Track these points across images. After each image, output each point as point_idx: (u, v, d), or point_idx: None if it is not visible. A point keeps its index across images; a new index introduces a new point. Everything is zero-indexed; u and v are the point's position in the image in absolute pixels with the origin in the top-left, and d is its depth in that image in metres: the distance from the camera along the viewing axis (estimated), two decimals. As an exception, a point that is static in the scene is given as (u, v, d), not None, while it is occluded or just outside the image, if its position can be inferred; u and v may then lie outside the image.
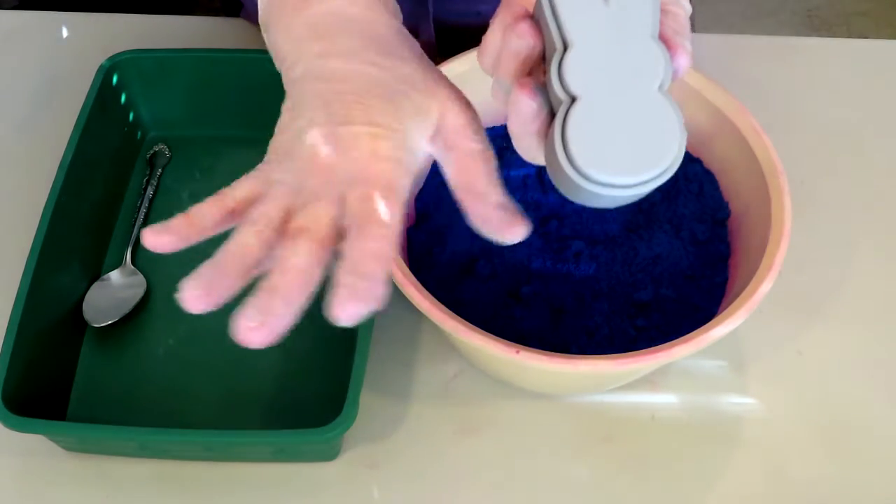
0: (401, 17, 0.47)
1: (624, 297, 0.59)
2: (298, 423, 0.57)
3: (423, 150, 0.43)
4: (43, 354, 0.59)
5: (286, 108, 0.45)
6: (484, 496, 0.58)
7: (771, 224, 0.56)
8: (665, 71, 0.39)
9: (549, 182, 0.64)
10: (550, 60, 0.39)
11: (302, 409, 0.60)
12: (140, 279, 0.66)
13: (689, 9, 0.43)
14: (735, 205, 0.62)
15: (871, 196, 0.71)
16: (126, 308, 0.64)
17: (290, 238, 0.41)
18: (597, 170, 0.38)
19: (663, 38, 0.40)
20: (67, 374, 0.62)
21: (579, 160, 0.38)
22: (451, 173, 0.44)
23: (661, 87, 0.39)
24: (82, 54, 0.78)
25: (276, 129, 0.45)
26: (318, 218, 0.41)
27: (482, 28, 0.46)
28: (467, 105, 0.44)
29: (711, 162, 0.63)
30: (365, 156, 0.41)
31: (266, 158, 0.44)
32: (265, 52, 0.72)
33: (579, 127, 0.38)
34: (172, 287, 0.66)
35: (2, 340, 0.56)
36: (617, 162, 0.38)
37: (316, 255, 0.41)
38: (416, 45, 0.46)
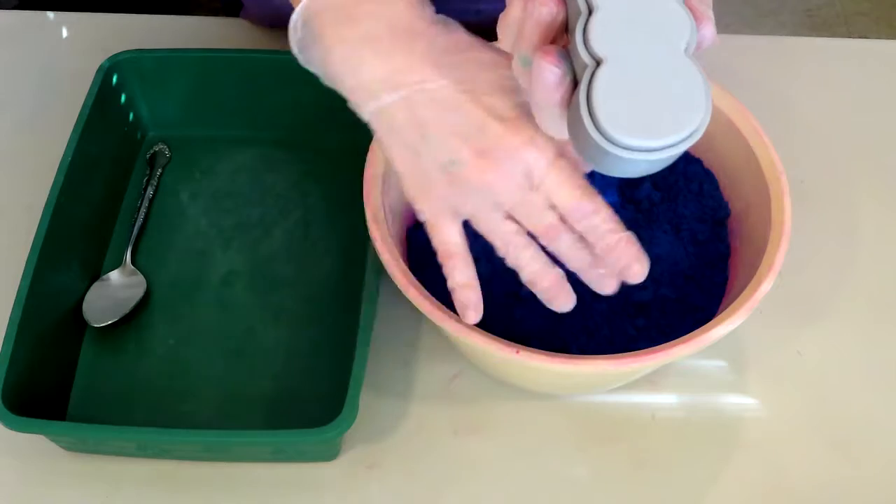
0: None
1: (624, 297, 0.59)
2: (298, 423, 0.58)
3: None
4: (43, 354, 0.59)
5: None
6: (484, 496, 0.58)
7: (771, 224, 0.56)
8: (691, 34, 0.38)
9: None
10: (574, 27, 0.39)
11: (302, 409, 0.60)
12: (140, 279, 0.66)
13: None
14: (735, 205, 0.62)
15: (872, 196, 0.71)
16: (126, 308, 0.64)
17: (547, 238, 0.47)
18: (624, 132, 0.37)
19: (689, 6, 0.40)
20: (67, 374, 0.62)
21: (606, 123, 0.37)
22: None
23: (686, 50, 0.38)
24: (82, 54, 0.78)
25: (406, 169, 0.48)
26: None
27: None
28: None
29: (711, 162, 0.63)
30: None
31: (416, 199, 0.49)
32: (265, 52, 0.73)
33: (605, 90, 0.37)
34: (172, 287, 0.66)
35: (2, 340, 0.56)
36: (644, 124, 0.37)
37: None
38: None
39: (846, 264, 0.68)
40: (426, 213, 0.49)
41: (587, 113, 0.37)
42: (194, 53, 0.72)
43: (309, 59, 0.48)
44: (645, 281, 0.59)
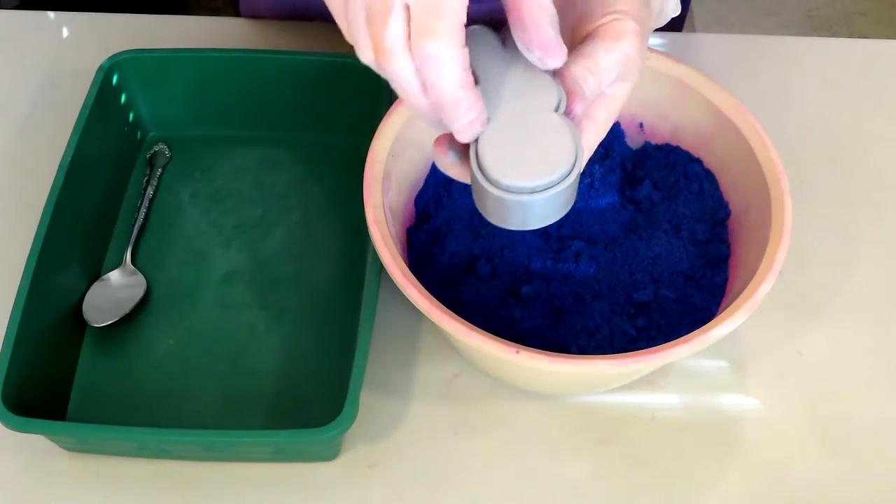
0: None
1: (624, 297, 0.59)
2: (298, 423, 0.58)
3: None
4: (43, 354, 0.59)
5: None
6: (484, 496, 0.58)
7: (771, 224, 0.56)
8: (560, 97, 0.45)
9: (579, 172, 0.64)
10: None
11: (302, 409, 0.60)
12: (140, 279, 0.66)
13: (610, 60, 0.45)
14: (735, 205, 0.62)
15: (871, 196, 0.71)
16: (126, 308, 0.64)
17: None
18: (504, 175, 0.43)
19: (562, 83, 0.45)
20: (67, 374, 0.62)
21: (490, 170, 0.43)
22: None
23: (557, 109, 0.45)
24: (82, 54, 0.78)
25: None
26: None
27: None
28: None
29: (711, 162, 0.63)
30: None
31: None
32: (265, 52, 0.73)
33: (489, 145, 0.44)
34: (172, 287, 0.66)
35: (2, 340, 0.56)
36: (522, 168, 0.43)
37: None
38: None
39: (846, 264, 0.68)
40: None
41: (476, 162, 0.44)
42: (194, 53, 0.72)
43: None
44: (645, 281, 0.60)
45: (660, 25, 0.52)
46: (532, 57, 0.44)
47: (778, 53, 0.80)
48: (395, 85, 0.44)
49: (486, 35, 0.46)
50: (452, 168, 0.46)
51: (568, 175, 0.43)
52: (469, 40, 0.44)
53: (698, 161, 0.64)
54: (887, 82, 0.79)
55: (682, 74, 0.62)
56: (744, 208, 0.61)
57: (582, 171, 0.45)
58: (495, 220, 0.46)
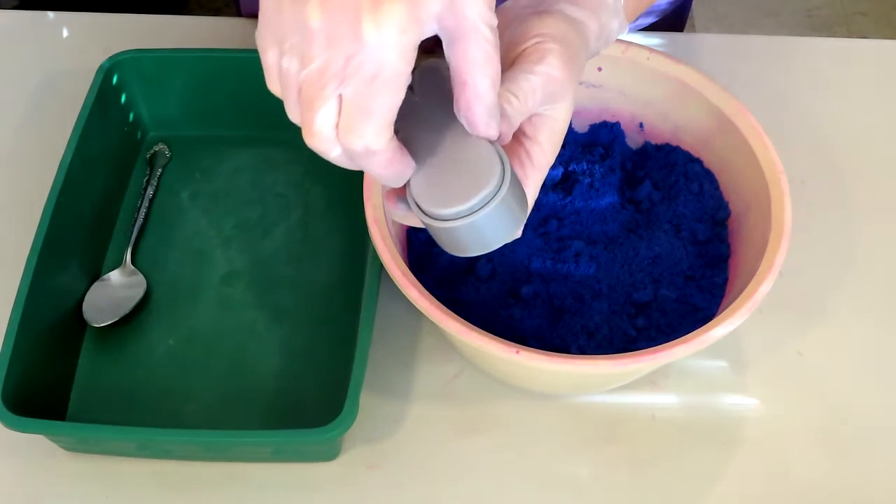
0: None
1: (624, 297, 0.59)
2: (298, 423, 0.58)
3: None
4: (43, 354, 0.59)
5: None
6: (484, 496, 0.58)
7: (771, 224, 0.56)
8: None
9: (549, 182, 0.64)
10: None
11: (302, 409, 0.60)
12: (140, 279, 0.66)
13: (533, 82, 0.46)
14: (735, 205, 0.62)
15: (871, 196, 0.71)
16: (126, 308, 0.64)
17: None
18: (434, 205, 0.44)
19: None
20: (67, 374, 0.62)
21: (425, 205, 0.44)
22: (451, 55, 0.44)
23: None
24: (82, 54, 0.78)
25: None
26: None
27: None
28: None
29: (711, 162, 0.63)
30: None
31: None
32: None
33: (420, 184, 0.45)
34: (172, 287, 0.66)
35: (2, 340, 0.56)
36: (450, 196, 0.44)
37: None
38: None
39: (846, 264, 0.68)
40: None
41: (413, 203, 0.45)
42: (194, 53, 0.72)
43: None
44: (645, 281, 0.60)
45: (604, 48, 0.53)
46: (466, 125, 0.44)
47: (778, 53, 0.80)
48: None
49: (435, 73, 0.46)
50: (406, 218, 0.47)
51: (497, 192, 0.44)
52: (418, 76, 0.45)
53: (698, 161, 0.64)
54: (887, 82, 0.79)
55: (682, 74, 0.62)
56: (744, 208, 0.61)
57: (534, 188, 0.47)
58: (453, 250, 0.46)
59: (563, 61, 0.46)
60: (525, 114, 0.46)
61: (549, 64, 0.46)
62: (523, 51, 0.47)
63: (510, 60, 0.47)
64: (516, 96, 0.46)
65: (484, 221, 0.44)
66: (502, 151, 0.45)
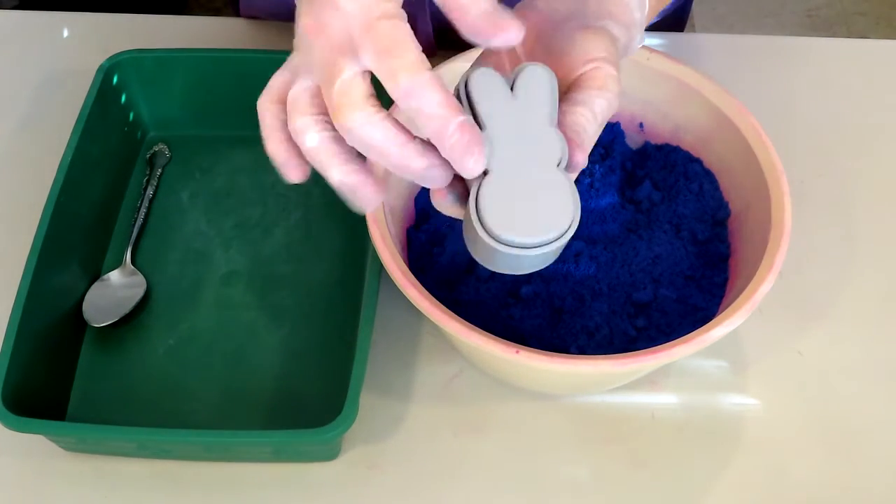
0: None
1: (624, 297, 0.59)
2: (298, 423, 0.58)
3: None
4: (43, 354, 0.59)
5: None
6: (484, 496, 0.58)
7: (771, 224, 0.56)
8: (563, 153, 0.45)
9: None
10: None
11: (302, 409, 0.60)
12: (140, 279, 0.66)
13: (601, 107, 0.47)
14: (735, 205, 0.62)
15: (871, 196, 0.71)
16: (126, 308, 0.64)
17: None
18: (504, 231, 0.44)
19: (564, 134, 0.46)
20: (67, 374, 0.62)
21: (489, 222, 0.44)
22: None
23: (559, 166, 0.45)
24: (82, 54, 0.78)
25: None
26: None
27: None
28: None
29: (711, 162, 0.63)
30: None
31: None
32: (265, 52, 0.73)
33: (489, 196, 0.44)
34: (172, 287, 0.66)
35: (2, 340, 0.56)
36: (521, 225, 0.44)
37: None
38: None
39: (846, 264, 0.68)
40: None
41: (475, 214, 0.44)
42: (194, 53, 0.72)
43: None
44: (645, 281, 0.60)
45: (624, 56, 0.53)
46: (486, 44, 0.43)
47: (778, 53, 0.80)
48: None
49: (493, 79, 0.46)
50: (451, 208, 0.47)
51: (563, 234, 0.45)
52: (474, 83, 0.45)
53: (698, 161, 0.64)
54: (887, 82, 0.79)
55: (682, 74, 0.62)
56: (744, 208, 0.61)
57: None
58: (484, 263, 0.47)
59: (618, 85, 0.48)
60: (593, 142, 0.47)
61: (610, 90, 0.47)
62: (583, 74, 0.47)
63: (567, 83, 0.47)
64: (591, 123, 0.46)
65: (539, 256, 0.45)
66: (575, 189, 0.45)
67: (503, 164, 0.45)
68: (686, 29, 0.90)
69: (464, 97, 0.45)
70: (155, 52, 0.71)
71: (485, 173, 0.45)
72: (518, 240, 0.44)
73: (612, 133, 0.66)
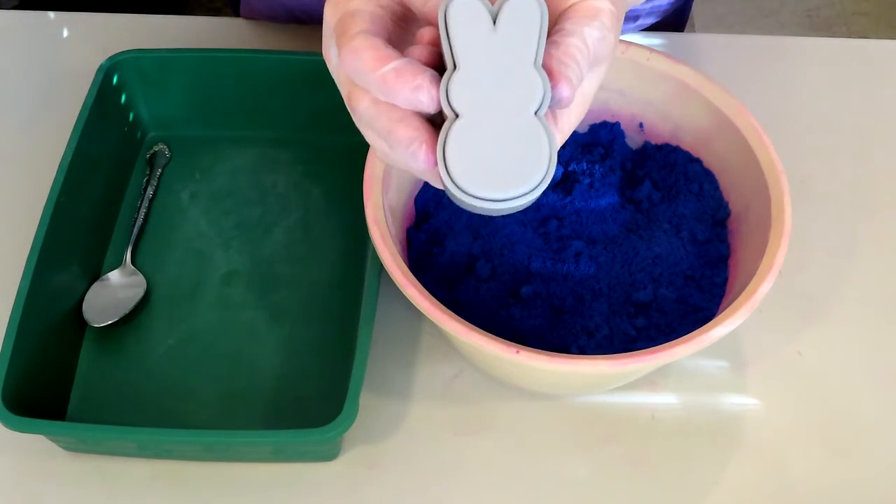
0: None
1: (624, 297, 0.59)
2: (298, 423, 0.58)
3: None
4: (43, 354, 0.59)
5: None
6: (484, 496, 0.58)
7: (771, 224, 0.56)
8: (543, 97, 0.42)
9: (549, 183, 0.64)
10: (446, 77, 0.42)
11: (302, 409, 0.60)
12: (140, 279, 0.66)
13: (592, 38, 0.44)
14: (735, 205, 0.62)
15: (871, 196, 0.71)
16: (126, 308, 0.64)
17: None
18: (468, 183, 0.41)
19: (546, 67, 0.42)
20: (67, 374, 0.62)
21: (454, 172, 0.42)
22: None
23: (537, 112, 0.42)
24: (82, 54, 0.78)
25: None
26: None
27: None
28: None
29: (711, 162, 0.63)
30: None
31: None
32: (265, 52, 0.73)
33: (457, 143, 0.41)
34: (172, 287, 0.66)
35: (2, 340, 0.56)
36: (488, 178, 0.41)
37: None
38: None
39: (846, 264, 0.68)
40: None
41: (442, 160, 0.42)
42: (194, 53, 0.72)
43: None
44: (645, 281, 0.60)
45: (637, 3, 0.51)
46: None
47: (778, 53, 0.80)
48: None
49: (474, 8, 0.42)
50: (428, 175, 0.45)
51: (533, 190, 0.42)
52: (452, 14, 0.42)
53: (698, 161, 0.64)
54: (887, 82, 0.79)
55: (682, 74, 0.62)
56: (744, 208, 0.61)
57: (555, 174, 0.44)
58: (457, 203, 0.44)
59: (611, 20, 0.44)
60: (582, 78, 0.44)
61: (601, 23, 0.44)
62: (573, 6, 0.44)
63: (557, 12, 0.45)
64: (577, 60, 0.43)
65: (514, 207, 0.42)
66: (553, 136, 0.42)
67: (475, 107, 0.42)
68: (686, 29, 0.90)
69: (442, 29, 0.42)
70: (155, 52, 0.71)
71: (456, 116, 0.42)
72: (481, 193, 0.42)
73: (612, 133, 0.66)
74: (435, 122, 0.44)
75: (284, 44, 0.79)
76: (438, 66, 0.44)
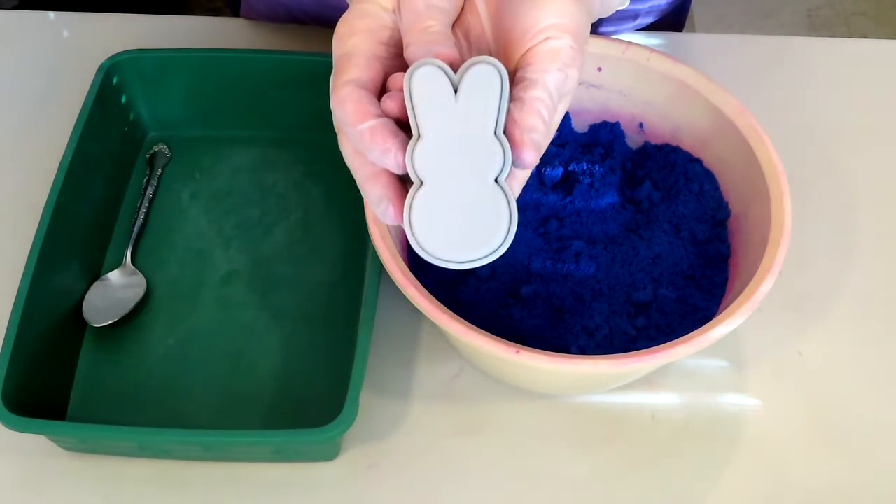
0: None
1: (624, 296, 0.59)
2: (298, 423, 0.58)
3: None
4: (43, 354, 0.59)
5: None
6: (484, 496, 0.58)
7: (771, 224, 0.56)
8: (504, 165, 0.44)
9: (550, 182, 0.64)
10: (411, 144, 0.44)
11: (302, 409, 0.60)
12: (140, 279, 0.66)
13: (555, 82, 0.44)
14: (735, 205, 0.62)
15: (871, 196, 0.71)
16: (126, 308, 0.64)
17: None
18: (432, 246, 0.45)
19: (510, 135, 0.44)
20: (67, 374, 0.62)
21: (419, 235, 0.45)
22: None
23: (497, 179, 0.44)
24: (82, 54, 0.78)
25: None
26: None
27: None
28: None
29: (711, 162, 0.63)
30: None
31: None
32: (265, 52, 0.73)
33: (421, 208, 0.44)
34: (172, 287, 0.66)
35: (2, 340, 0.56)
36: (450, 241, 0.45)
37: None
38: None
39: (846, 264, 0.68)
40: None
41: (408, 224, 0.45)
42: (194, 53, 0.72)
43: None
44: (645, 281, 0.60)
45: (605, 15, 0.50)
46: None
47: (778, 53, 0.80)
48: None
49: (436, 79, 0.43)
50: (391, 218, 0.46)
51: (492, 253, 0.45)
52: (415, 85, 0.43)
53: (698, 161, 0.64)
54: (887, 82, 0.79)
55: (682, 74, 0.62)
56: (744, 208, 0.61)
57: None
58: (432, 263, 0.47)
59: (574, 54, 0.44)
60: (548, 134, 0.45)
61: (564, 64, 0.44)
62: (529, 51, 0.44)
63: (516, 56, 0.45)
64: (541, 117, 0.43)
65: (479, 265, 0.45)
66: (514, 203, 0.44)
67: (438, 174, 0.44)
68: (686, 29, 0.90)
69: (407, 98, 0.44)
70: (155, 52, 0.71)
71: (421, 183, 0.44)
72: (444, 255, 0.45)
73: (612, 133, 0.66)
74: (406, 179, 0.46)
75: (284, 44, 0.79)
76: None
